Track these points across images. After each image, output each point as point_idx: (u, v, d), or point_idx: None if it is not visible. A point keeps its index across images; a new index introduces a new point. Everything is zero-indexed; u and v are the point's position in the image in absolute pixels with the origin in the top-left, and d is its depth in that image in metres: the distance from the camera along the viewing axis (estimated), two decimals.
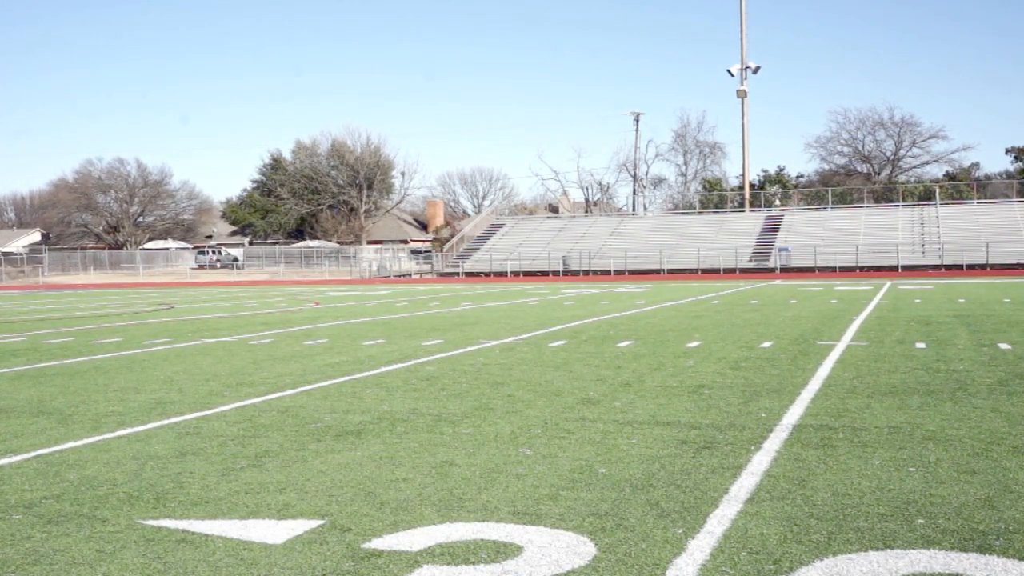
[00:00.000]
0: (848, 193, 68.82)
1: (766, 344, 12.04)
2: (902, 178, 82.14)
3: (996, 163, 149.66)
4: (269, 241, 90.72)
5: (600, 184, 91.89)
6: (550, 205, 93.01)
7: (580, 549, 3.91)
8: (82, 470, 5.58)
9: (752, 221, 60.51)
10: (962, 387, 8.08)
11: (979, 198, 62.48)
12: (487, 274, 57.22)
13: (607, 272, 54.44)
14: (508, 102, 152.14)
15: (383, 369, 10.15)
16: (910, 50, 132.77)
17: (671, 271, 53.14)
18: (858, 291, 27.06)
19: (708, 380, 8.84)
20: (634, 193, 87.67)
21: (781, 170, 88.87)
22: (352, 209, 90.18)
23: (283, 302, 27.65)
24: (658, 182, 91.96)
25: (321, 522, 4.38)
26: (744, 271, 51.60)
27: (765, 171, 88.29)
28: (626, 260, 54.74)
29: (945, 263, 48.33)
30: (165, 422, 7.17)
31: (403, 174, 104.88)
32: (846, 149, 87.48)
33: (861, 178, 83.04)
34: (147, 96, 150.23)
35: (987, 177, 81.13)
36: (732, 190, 77.46)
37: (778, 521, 4.24)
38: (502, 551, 3.91)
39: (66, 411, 7.81)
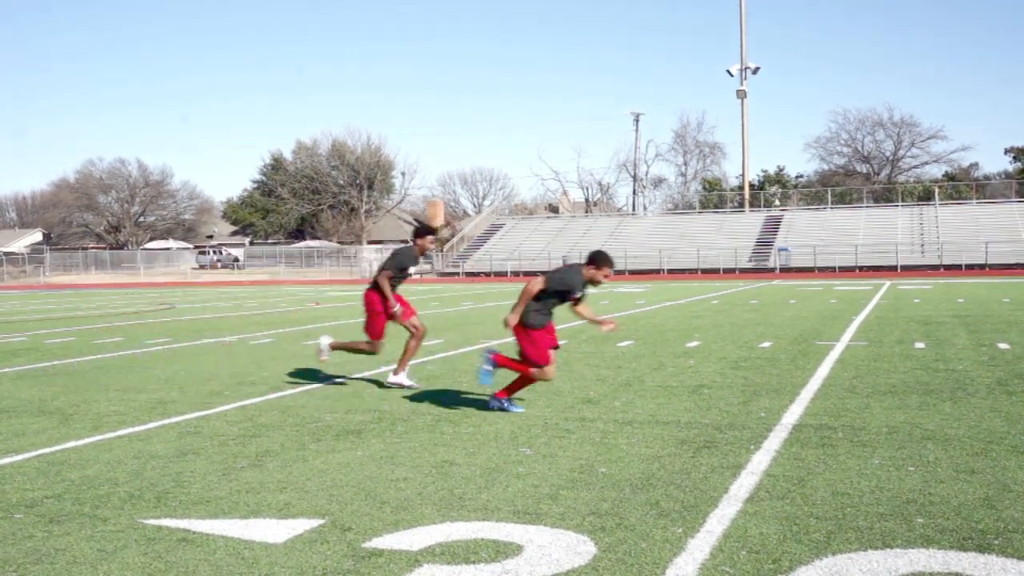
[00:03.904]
0: (848, 193, 68.81)
1: (766, 344, 12.05)
2: (901, 178, 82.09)
3: (995, 163, 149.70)
4: (270, 241, 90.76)
5: (600, 184, 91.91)
6: (550, 205, 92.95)
7: (580, 548, 3.92)
8: (83, 469, 5.59)
9: (752, 221, 60.51)
10: (961, 387, 8.09)
11: (978, 198, 62.48)
12: (487, 274, 57.21)
13: None
14: (508, 102, 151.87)
15: (384, 369, 10.16)
16: (910, 50, 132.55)
17: (671, 271, 53.15)
18: (857, 291, 27.06)
19: (708, 380, 8.85)
20: (634, 193, 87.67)
21: (781, 170, 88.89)
22: (352, 209, 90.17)
23: (284, 302, 27.66)
24: (658, 182, 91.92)
25: (322, 521, 4.39)
26: (744, 271, 51.59)
27: (765, 171, 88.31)
28: (626, 260, 54.67)
29: (944, 263, 48.32)
30: (166, 422, 7.19)
31: (403, 174, 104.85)
32: (846, 149, 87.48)
33: (861, 178, 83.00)
34: (148, 96, 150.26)
35: (986, 177, 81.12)
36: (732, 190, 77.44)
37: (778, 520, 4.25)
38: (502, 550, 3.92)
39: (67, 411, 7.82)
